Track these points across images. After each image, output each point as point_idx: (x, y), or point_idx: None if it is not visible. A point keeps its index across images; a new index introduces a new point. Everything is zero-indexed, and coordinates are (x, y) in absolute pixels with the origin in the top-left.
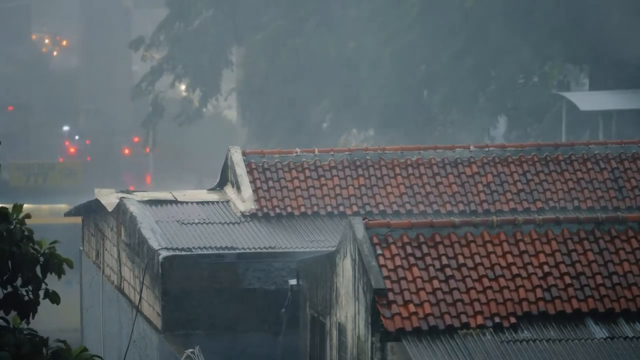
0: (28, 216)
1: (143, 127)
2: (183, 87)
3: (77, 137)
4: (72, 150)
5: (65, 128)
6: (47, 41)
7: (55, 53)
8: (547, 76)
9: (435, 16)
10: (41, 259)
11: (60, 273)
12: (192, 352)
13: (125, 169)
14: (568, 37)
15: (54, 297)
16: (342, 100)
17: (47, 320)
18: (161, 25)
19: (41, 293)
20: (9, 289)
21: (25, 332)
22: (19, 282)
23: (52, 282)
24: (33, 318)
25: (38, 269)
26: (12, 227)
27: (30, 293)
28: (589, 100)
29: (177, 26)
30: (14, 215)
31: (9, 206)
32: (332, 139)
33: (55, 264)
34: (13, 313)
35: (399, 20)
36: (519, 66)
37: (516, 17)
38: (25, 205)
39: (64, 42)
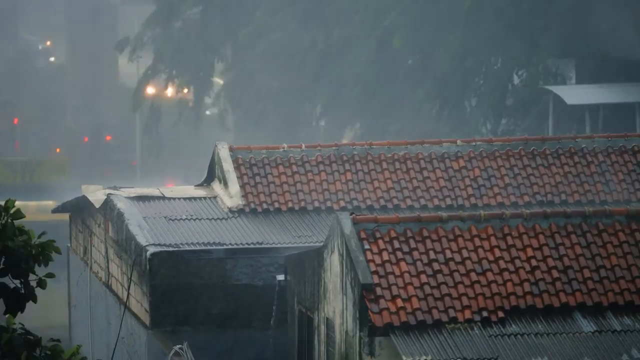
0: (19, 213)
1: (145, 135)
2: (176, 87)
3: None
4: None
5: None
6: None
7: (52, 59)
8: (533, 72)
9: (424, 11)
10: (33, 251)
11: (47, 261)
12: (180, 348)
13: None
14: (555, 30)
15: (41, 283)
16: (332, 96)
17: (35, 318)
18: (147, 23)
19: (33, 284)
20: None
21: (17, 331)
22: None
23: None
24: (22, 312)
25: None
26: (3, 221)
27: (22, 286)
28: (575, 94)
29: (166, 23)
30: (5, 211)
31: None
32: (324, 135)
33: (45, 254)
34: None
35: (387, 14)
36: (507, 60)
37: (505, 11)
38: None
39: (48, 42)
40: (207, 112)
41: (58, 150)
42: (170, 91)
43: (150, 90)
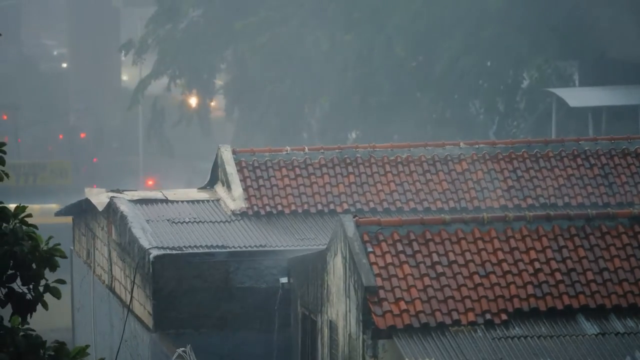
0: (30, 216)
1: (148, 136)
2: (179, 89)
3: None
4: None
5: None
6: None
7: (64, 65)
8: (539, 75)
9: (428, 14)
10: (45, 255)
11: (54, 267)
12: (183, 351)
13: None
14: (559, 33)
15: (55, 292)
16: (335, 98)
17: (39, 321)
18: (149, 24)
19: (41, 289)
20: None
21: (22, 332)
22: (17, 281)
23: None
24: (31, 316)
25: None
26: (12, 226)
27: (32, 291)
28: (578, 96)
29: (167, 25)
30: (14, 215)
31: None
32: (325, 138)
33: (52, 260)
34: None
35: (392, 18)
36: (510, 63)
37: (509, 14)
38: (14, 206)
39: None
40: (211, 114)
41: (50, 148)
42: (173, 93)
43: (153, 91)
